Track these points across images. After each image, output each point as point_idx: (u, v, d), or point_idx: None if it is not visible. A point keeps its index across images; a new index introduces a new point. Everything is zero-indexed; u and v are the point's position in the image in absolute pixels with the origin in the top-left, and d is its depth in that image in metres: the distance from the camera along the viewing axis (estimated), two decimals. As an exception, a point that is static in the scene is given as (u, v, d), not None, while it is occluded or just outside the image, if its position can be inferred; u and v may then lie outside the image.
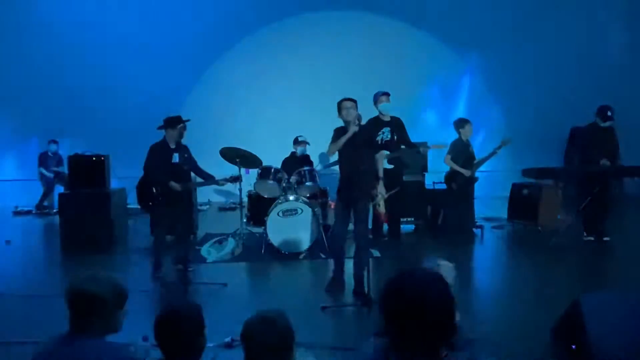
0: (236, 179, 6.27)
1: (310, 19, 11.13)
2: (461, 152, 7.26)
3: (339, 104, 5.30)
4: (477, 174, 7.41)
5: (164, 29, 10.89)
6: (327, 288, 5.39)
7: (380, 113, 6.84)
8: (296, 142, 7.79)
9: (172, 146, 5.88)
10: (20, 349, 3.84)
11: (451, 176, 7.33)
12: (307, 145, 7.84)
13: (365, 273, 4.82)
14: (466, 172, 7.18)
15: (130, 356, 2.14)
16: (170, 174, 5.78)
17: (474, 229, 7.77)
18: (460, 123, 7.37)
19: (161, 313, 2.17)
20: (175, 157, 5.86)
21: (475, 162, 7.32)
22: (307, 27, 11.09)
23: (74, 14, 10.86)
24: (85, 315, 2.15)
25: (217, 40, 11.13)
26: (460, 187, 7.26)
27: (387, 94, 6.87)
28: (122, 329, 2.25)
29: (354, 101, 5.33)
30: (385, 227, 7.26)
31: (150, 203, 5.96)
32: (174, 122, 5.87)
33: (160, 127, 5.90)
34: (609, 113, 6.97)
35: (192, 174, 6.30)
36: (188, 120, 6.22)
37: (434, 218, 7.99)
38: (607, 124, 7.01)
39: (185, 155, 5.97)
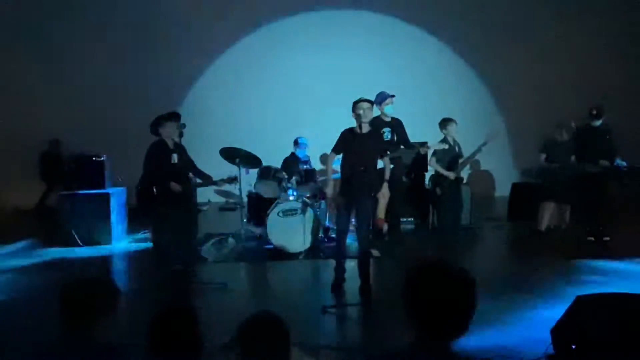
0: (233, 179, 6.26)
1: (313, 18, 11.12)
2: (446, 154, 7.00)
3: (355, 104, 5.20)
4: (465, 173, 7.25)
5: (164, 27, 10.87)
6: (332, 289, 5.37)
7: (382, 114, 6.83)
8: (296, 143, 7.80)
9: (171, 146, 5.86)
10: (17, 352, 3.84)
11: (436, 179, 7.10)
12: (307, 147, 7.84)
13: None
14: (450, 175, 6.93)
15: None
16: (170, 175, 5.74)
17: (474, 229, 7.76)
18: (443, 123, 7.09)
19: (152, 319, 2.15)
20: (174, 158, 5.82)
21: (460, 161, 7.07)
22: (309, 26, 11.08)
23: (74, 12, 10.85)
24: (78, 319, 2.14)
25: (218, 40, 11.12)
26: (445, 190, 6.97)
27: (392, 97, 6.83)
28: (121, 331, 2.24)
29: (371, 102, 5.25)
30: (385, 227, 7.26)
31: (151, 204, 5.94)
32: (171, 117, 5.80)
33: (154, 124, 5.81)
34: (594, 111, 6.98)
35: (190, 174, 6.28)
36: (176, 114, 5.97)
37: (428, 218, 8.01)
38: (598, 122, 7.00)
39: (183, 155, 5.93)
